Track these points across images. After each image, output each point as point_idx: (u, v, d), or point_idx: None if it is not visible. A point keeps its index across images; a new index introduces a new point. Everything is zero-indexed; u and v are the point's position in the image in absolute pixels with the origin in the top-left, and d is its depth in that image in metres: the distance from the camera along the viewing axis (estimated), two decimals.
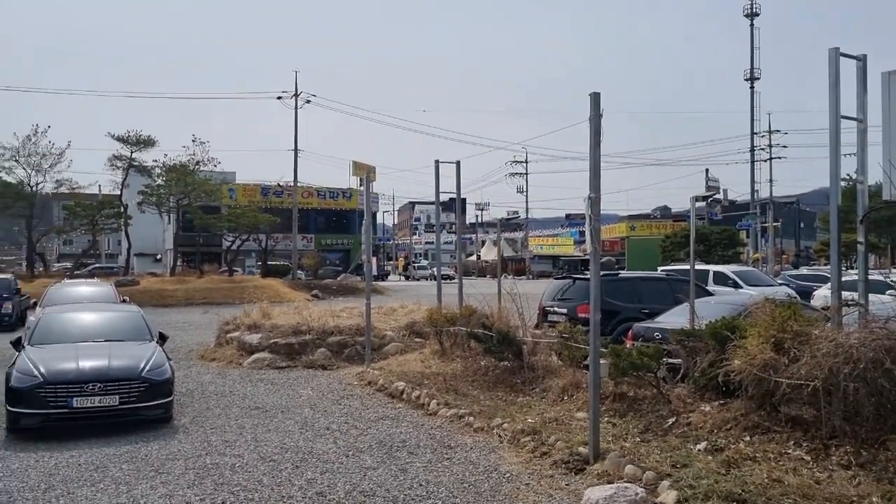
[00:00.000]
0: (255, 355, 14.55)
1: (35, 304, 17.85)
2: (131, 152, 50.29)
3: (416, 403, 10.38)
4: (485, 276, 68.80)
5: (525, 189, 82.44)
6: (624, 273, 20.60)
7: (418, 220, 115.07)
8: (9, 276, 29.82)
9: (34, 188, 50.44)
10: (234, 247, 49.26)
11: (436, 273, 16.97)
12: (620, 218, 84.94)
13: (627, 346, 9.86)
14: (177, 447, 8.35)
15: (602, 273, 7.40)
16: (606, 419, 8.05)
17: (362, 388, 12.06)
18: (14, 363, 9.34)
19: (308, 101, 50.75)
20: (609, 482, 6.46)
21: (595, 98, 7.07)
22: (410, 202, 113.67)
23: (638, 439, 7.52)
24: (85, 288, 18.85)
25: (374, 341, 14.09)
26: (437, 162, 14.94)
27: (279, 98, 50.24)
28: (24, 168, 48.92)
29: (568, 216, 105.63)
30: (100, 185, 66.89)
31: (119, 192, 52.71)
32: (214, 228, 48.28)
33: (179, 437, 8.86)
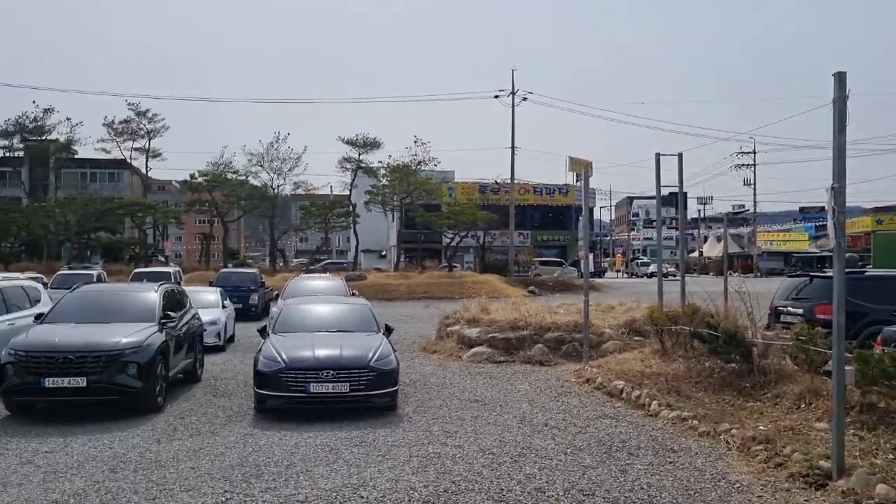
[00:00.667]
0: (474, 349, 14.88)
1: (277, 295, 19.52)
2: (359, 154, 53.65)
3: (636, 403, 10.08)
4: (707, 274, 65.54)
5: (753, 181, 77.52)
6: (871, 271, 18.68)
7: (636, 215, 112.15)
8: (255, 270, 32.91)
9: (276, 190, 55.35)
10: (453, 243, 50.85)
11: (657, 270, 16.36)
12: (864, 211, 77.21)
13: (877, 351, 8.90)
14: (401, 435, 8.73)
15: (846, 271, 6.72)
16: (852, 431, 7.31)
17: (580, 385, 11.92)
18: (260, 349, 10.25)
19: (524, 99, 51.25)
20: (857, 502, 5.86)
21: (840, 78, 6.43)
22: (628, 197, 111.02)
23: (890, 456, 6.75)
24: (319, 282, 20.33)
25: (592, 338, 13.89)
26: (657, 155, 14.44)
27: (496, 97, 51.14)
28: (267, 172, 53.91)
29: (802, 209, 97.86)
30: (331, 186, 71.96)
31: (348, 193, 56.37)
32: (435, 226, 50.14)
33: (404, 425, 9.26)
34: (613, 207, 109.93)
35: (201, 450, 8.04)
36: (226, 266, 44.84)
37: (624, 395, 10.53)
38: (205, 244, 62.34)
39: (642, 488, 6.65)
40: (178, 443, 8.36)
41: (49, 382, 9.28)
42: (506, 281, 42.79)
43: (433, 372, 13.49)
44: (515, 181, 54.67)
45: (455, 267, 50.82)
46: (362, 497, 6.44)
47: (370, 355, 9.82)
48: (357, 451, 8.00)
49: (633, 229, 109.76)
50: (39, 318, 11.08)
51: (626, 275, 74.80)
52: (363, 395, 9.58)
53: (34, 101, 73.62)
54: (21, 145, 63.59)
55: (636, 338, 14.78)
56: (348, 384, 9.47)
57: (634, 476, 7.01)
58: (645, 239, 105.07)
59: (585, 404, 10.48)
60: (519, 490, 6.61)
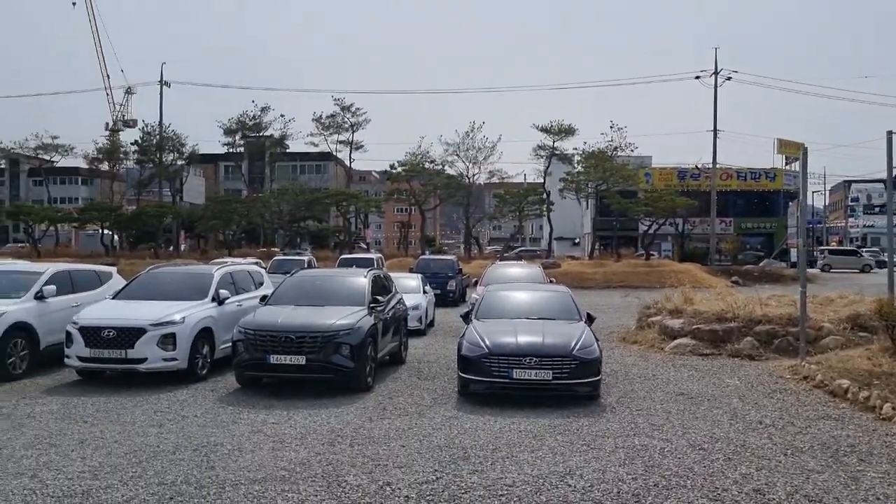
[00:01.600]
0: (677, 340, 14.34)
1: (475, 282, 19.90)
2: (553, 141, 53.39)
3: (865, 405, 9.24)
4: None
5: None
6: None
7: (855, 199, 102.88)
8: (452, 257, 33.73)
9: (471, 179, 56.40)
10: (650, 231, 49.35)
11: (887, 260, 14.91)
12: None
13: None
14: (605, 425, 8.58)
15: None
16: None
17: (796, 382, 11.13)
18: (464, 334, 10.48)
19: (728, 79, 48.60)
20: None
21: None
22: (845, 181, 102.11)
23: None
24: (517, 269, 20.48)
25: (809, 333, 12.90)
26: (889, 133, 13.07)
27: (697, 78, 48.93)
28: (463, 161, 55.04)
29: None
30: (525, 174, 72.29)
31: (542, 180, 56.29)
32: (631, 213, 48.94)
33: (607, 415, 9.10)
34: (828, 192, 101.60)
35: (410, 429, 8.35)
36: (423, 253, 46.42)
37: (850, 395, 9.69)
38: (403, 232, 64.90)
39: (878, 499, 6.08)
40: (388, 422, 8.74)
41: (273, 359, 10.04)
42: (707, 270, 40.90)
43: (634, 363, 13.15)
44: (717, 166, 52.00)
45: (652, 255, 49.31)
46: (569, 485, 6.40)
47: (573, 343, 9.73)
48: (561, 439, 7.96)
49: (851, 216, 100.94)
50: (264, 299, 12.04)
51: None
52: (565, 384, 9.51)
53: (253, 101, 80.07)
54: (242, 142, 69.35)
55: (861, 334, 13.55)
56: (551, 372, 9.44)
57: (868, 485, 6.42)
58: (866, 226, 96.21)
59: (804, 403, 9.76)
60: (736, 490, 6.27)
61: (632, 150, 52.14)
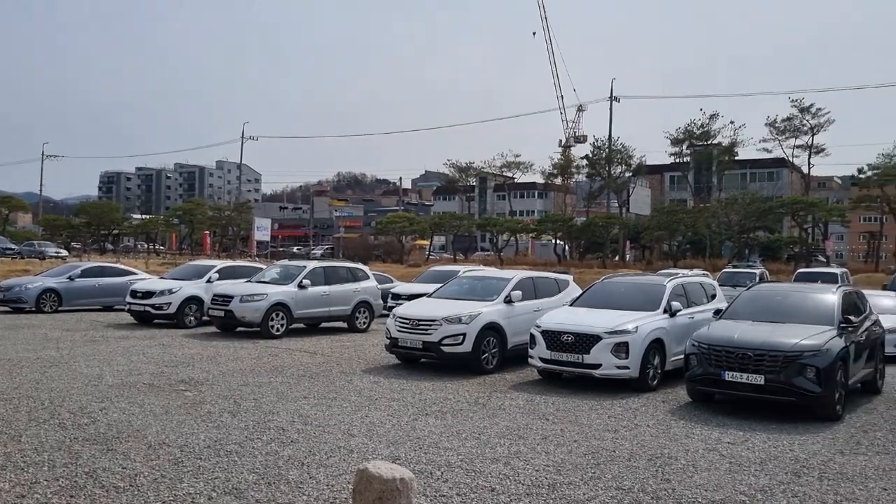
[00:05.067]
0: None
1: None
2: None
3: None
4: None
5: None
6: None
7: None
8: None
9: None
10: None
11: None
12: None
13: None
14: None
15: None
16: None
17: None
18: None
19: None
20: None
21: None
22: None
23: None
24: None
25: None
26: None
27: None
28: None
29: None
30: None
31: None
32: None
33: None
34: None
35: (893, 470, 7.28)
36: None
37: None
38: (872, 243, 57.62)
39: None
40: (864, 458, 7.73)
41: (728, 376, 9.62)
42: None
43: None
44: None
45: None
46: None
47: None
48: None
49: None
50: (718, 313, 11.64)
51: None
52: None
53: (701, 109, 78.74)
54: (688, 151, 68.70)
55: None
56: None
57: None
58: None
59: None
60: None
61: None
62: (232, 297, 17.35)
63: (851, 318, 10.68)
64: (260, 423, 8.59)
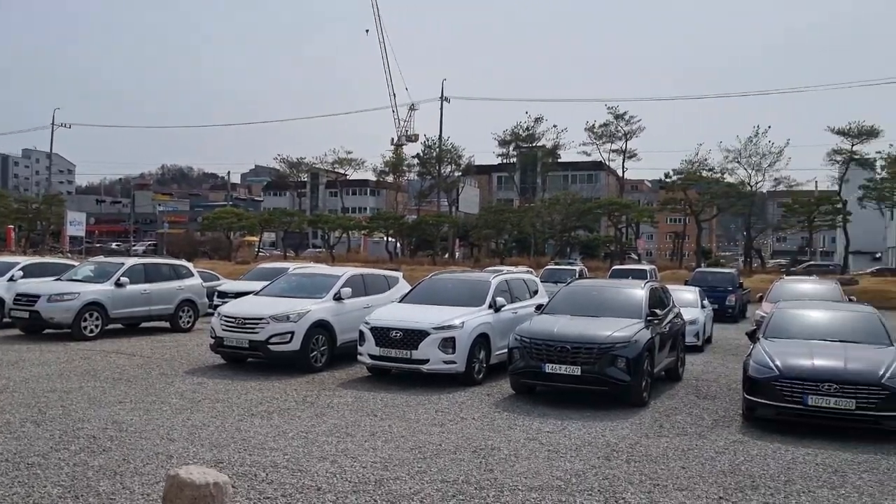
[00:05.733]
0: None
1: (760, 297, 18.53)
2: (852, 145, 48.39)
3: None
4: None
5: None
6: None
7: None
8: (732, 270, 31.83)
9: (753, 187, 52.91)
10: None
11: None
12: None
13: None
14: None
15: None
16: None
17: None
18: (751, 354, 9.75)
19: None
20: None
21: None
22: None
23: None
24: (809, 285, 18.78)
25: None
26: None
27: None
28: (744, 168, 51.80)
29: None
30: (816, 182, 66.22)
31: (837, 188, 51.27)
32: None
33: None
34: None
35: (690, 451, 7.94)
36: (698, 265, 44.36)
37: None
38: (677, 243, 62.55)
39: None
40: (666, 440, 8.38)
41: (548, 368, 10.09)
42: None
43: None
44: None
45: None
46: None
47: (882, 371, 8.62)
48: (868, 477, 7.08)
49: None
50: (539, 308, 12.18)
51: None
52: (872, 416, 8.45)
53: (527, 112, 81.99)
54: (515, 153, 71.33)
55: None
56: (854, 401, 8.43)
57: None
58: None
59: None
60: None
61: None
62: (38, 296, 16.08)
63: (657, 311, 11.54)
64: (68, 432, 8.02)
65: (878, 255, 66.98)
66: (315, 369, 12.49)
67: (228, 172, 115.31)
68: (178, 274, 18.89)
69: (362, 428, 8.61)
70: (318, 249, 74.38)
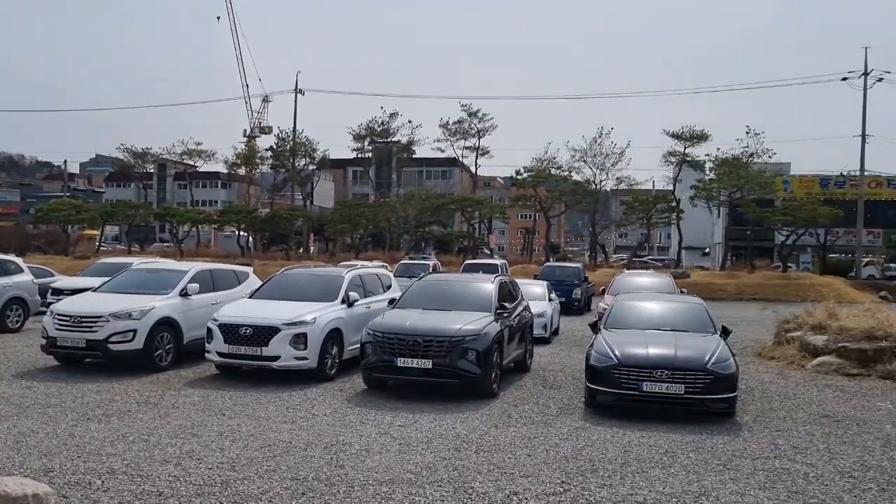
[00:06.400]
0: (820, 358, 13.49)
1: (603, 290, 19.48)
2: (685, 148, 51.62)
3: None
4: None
5: None
6: None
7: None
8: (578, 265, 33.25)
9: (597, 185, 55.45)
10: (788, 241, 46.91)
11: None
12: None
13: None
14: (742, 444, 8.15)
15: None
16: None
17: None
18: (592, 344, 10.24)
19: (880, 80, 45.46)
20: None
21: None
22: None
23: None
24: (646, 278, 19.93)
25: None
26: None
27: (844, 79, 46.03)
28: (590, 167, 54.18)
29: None
30: (654, 181, 70.35)
31: (672, 187, 54.67)
32: (767, 222, 46.62)
33: (744, 434, 8.65)
34: None
35: (536, 438, 8.23)
36: (547, 260, 46.00)
37: None
38: (527, 238, 64.59)
39: None
40: (514, 429, 8.65)
41: (401, 362, 10.16)
42: (851, 284, 38.39)
43: (772, 380, 12.47)
44: (866, 173, 48.69)
45: (790, 267, 46.81)
46: None
47: (707, 357, 9.32)
48: (694, 456, 7.62)
49: None
50: (392, 303, 12.23)
51: None
52: (699, 399, 9.12)
53: (382, 107, 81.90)
54: (370, 147, 71.10)
55: None
56: (683, 386, 9.07)
57: None
58: None
59: None
60: None
61: (769, 157, 49.62)
62: None
63: (506, 304, 11.88)
64: None
65: (706, 251, 72.13)
66: (160, 368, 11.95)
67: (65, 161, 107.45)
68: (5, 270, 17.49)
69: (209, 428, 8.33)
70: (165, 244, 71.07)
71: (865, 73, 45.20)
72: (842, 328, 14.00)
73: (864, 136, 46.11)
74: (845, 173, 52.62)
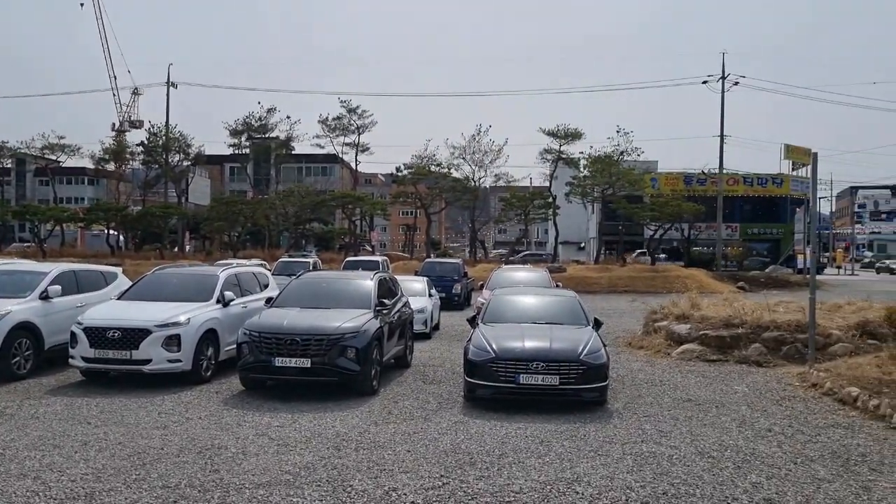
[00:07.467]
0: (684, 346, 14.25)
1: (481, 286, 19.82)
2: (560, 145, 53.24)
3: (875, 414, 9.14)
4: None
5: None
6: None
7: (862, 206, 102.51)
8: (458, 260, 33.67)
9: (476, 182, 56.29)
10: (656, 236, 49.23)
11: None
12: None
13: None
14: (612, 431, 8.50)
15: None
16: None
17: (805, 390, 11.04)
18: (471, 339, 10.40)
19: (736, 84, 48.44)
20: None
21: None
22: (852, 187, 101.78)
23: None
24: (524, 273, 20.42)
25: (817, 340, 12.80)
26: None
27: (704, 83, 48.81)
28: (469, 164, 54.93)
29: None
30: (531, 178, 72.23)
31: (548, 184, 56.23)
32: (637, 217, 48.77)
33: (615, 421, 9.02)
34: (834, 198, 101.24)
35: (415, 434, 8.29)
36: (428, 256, 46.33)
37: (859, 403, 9.60)
38: (408, 235, 64.81)
39: None
40: (394, 426, 8.67)
41: (278, 362, 9.98)
42: (713, 276, 40.78)
43: (641, 368, 13.07)
44: (724, 171, 51.81)
45: (659, 258, 49.20)
46: (577, 492, 6.32)
47: (580, 349, 9.66)
48: (568, 444, 7.88)
49: (858, 222, 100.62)
50: (269, 301, 11.99)
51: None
52: (573, 389, 9.44)
53: (259, 102, 79.89)
54: (247, 143, 69.33)
55: (870, 341, 13.41)
56: (558, 377, 9.36)
57: (880, 495, 6.34)
58: (872, 233, 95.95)
59: (813, 411, 9.68)
60: (746, 499, 6.20)
61: (638, 155, 51.93)
62: None
63: (386, 301, 11.89)
64: None
65: (582, 246, 74.69)
66: (18, 377, 11.23)
67: None
68: None
69: (73, 438, 7.91)
70: (26, 244, 66.73)
71: (723, 77, 48.07)
72: (703, 317, 14.85)
73: (722, 136, 49.07)
74: (706, 171, 55.74)
